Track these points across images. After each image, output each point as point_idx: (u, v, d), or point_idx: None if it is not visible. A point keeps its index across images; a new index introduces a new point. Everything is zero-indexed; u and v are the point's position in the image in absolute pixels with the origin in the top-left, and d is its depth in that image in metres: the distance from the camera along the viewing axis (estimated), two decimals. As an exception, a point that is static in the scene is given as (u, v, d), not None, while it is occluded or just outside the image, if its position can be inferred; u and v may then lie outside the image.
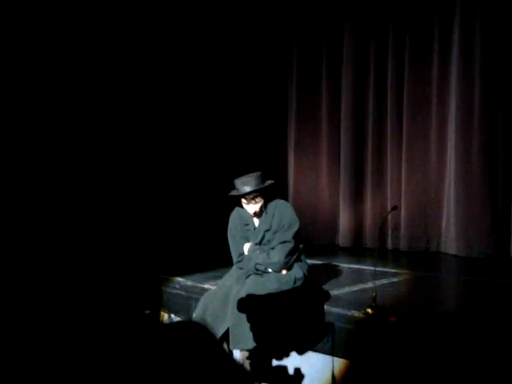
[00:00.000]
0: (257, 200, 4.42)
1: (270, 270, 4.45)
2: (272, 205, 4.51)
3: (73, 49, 6.73)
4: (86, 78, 6.82)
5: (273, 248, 4.45)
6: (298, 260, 4.57)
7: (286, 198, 7.38)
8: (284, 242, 4.43)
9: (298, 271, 4.51)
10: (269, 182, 4.47)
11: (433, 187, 7.24)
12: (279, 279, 4.40)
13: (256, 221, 4.56)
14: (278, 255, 4.40)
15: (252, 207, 4.44)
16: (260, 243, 4.51)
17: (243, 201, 4.45)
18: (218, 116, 7.86)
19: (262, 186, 4.39)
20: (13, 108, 6.34)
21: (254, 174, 4.43)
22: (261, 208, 4.47)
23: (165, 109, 7.50)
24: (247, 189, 4.37)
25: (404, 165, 7.35)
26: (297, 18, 8.08)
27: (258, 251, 4.46)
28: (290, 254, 4.44)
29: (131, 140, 7.19)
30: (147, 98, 7.34)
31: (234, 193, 4.45)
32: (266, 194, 4.46)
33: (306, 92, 8.13)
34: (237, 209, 4.63)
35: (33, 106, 6.49)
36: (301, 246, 4.59)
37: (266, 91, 8.14)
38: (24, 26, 6.36)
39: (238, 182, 4.43)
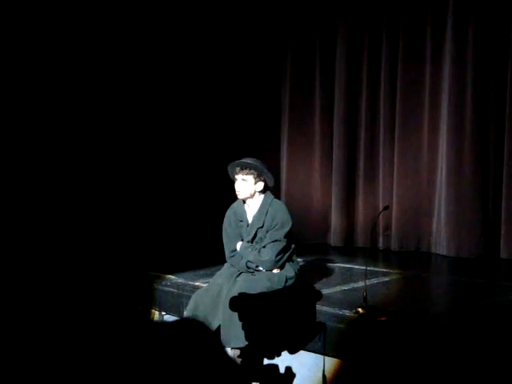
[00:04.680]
0: (246, 178, 4.46)
1: (261, 269, 4.47)
2: (266, 203, 4.55)
3: (72, 49, 6.72)
4: (81, 77, 6.81)
5: (264, 246, 4.47)
6: (290, 260, 4.59)
7: (278, 197, 7.37)
8: (275, 240, 4.46)
9: (289, 271, 4.54)
10: (265, 169, 4.53)
11: (424, 188, 7.26)
12: (271, 278, 4.42)
13: (250, 218, 4.59)
14: (269, 254, 4.43)
15: (239, 184, 4.49)
16: (252, 240, 4.54)
17: (235, 176, 4.52)
18: (211, 116, 7.84)
19: (255, 164, 4.47)
20: (12, 108, 6.32)
21: (259, 160, 4.56)
22: (247, 191, 4.49)
23: (157, 108, 7.48)
24: (244, 160, 4.50)
25: (396, 165, 7.36)
26: (291, 22, 8.07)
27: (249, 249, 4.49)
28: (281, 252, 4.47)
29: (121, 137, 7.16)
30: (141, 97, 7.32)
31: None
32: (259, 178, 4.49)
33: (299, 93, 8.11)
34: (233, 206, 4.68)
35: (31, 106, 6.47)
36: (293, 245, 4.62)
37: (259, 92, 8.12)
38: (24, 26, 6.34)
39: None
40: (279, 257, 4.47)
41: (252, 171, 4.47)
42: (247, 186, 4.49)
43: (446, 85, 6.96)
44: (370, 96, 7.59)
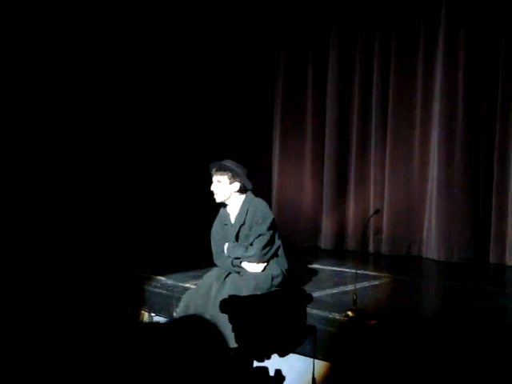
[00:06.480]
0: (221, 179, 4.53)
1: (245, 264, 4.50)
2: (246, 202, 4.65)
3: (72, 49, 6.70)
4: (69, 79, 6.79)
5: (251, 244, 4.54)
6: (275, 255, 4.63)
7: (269, 200, 7.39)
8: (260, 235, 4.56)
9: (275, 268, 4.59)
10: (241, 171, 4.57)
11: (415, 192, 7.27)
12: (257, 277, 4.48)
13: (233, 219, 4.69)
14: (254, 248, 4.50)
15: (215, 186, 4.56)
16: (237, 238, 4.62)
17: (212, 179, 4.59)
18: (204, 121, 7.83)
19: (230, 166, 4.53)
20: (12, 108, 6.30)
21: (237, 163, 4.61)
22: (222, 193, 4.55)
23: (148, 109, 7.46)
24: (221, 162, 4.58)
25: (387, 170, 7.37)
26: (284, 26, 8.06)
27: (236, 247, 4.59)
28: (267, 245, 4.57)
29: (113, 139, 7.14)
30: (134, 100, 7.29)
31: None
32: (233, 179, 4.54)
33: (291, 95, 8.11)
34: (219, 212, 4.79)
35: (27, 106, 6.44)
36: (279, 241, 4.67)
37: (251, 97, 8.12)
38: (24, 26, 6.32)
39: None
40: (266, 250, 4.56)
41: (227, 172, 4.53)
42: (222, 187, 4.56)
43: (437, 89, 6.98)
44: (362, 100, 7.61)
